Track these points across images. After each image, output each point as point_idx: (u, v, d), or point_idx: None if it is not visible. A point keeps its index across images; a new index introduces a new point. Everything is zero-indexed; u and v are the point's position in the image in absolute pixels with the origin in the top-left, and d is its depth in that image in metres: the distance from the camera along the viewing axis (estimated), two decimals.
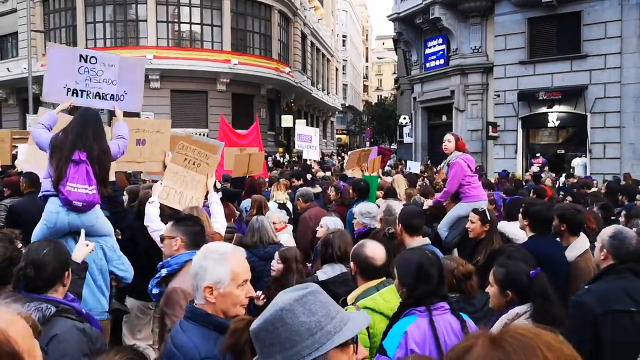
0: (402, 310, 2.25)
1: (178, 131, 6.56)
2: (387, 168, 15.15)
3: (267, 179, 9.17)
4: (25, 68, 21.96)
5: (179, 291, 2.61)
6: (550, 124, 17.07)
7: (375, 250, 2.74)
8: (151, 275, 2.97)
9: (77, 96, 4.54)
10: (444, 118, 21.08)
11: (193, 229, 2.93)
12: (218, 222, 4.04)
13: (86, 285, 3.11)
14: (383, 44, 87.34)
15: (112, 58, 4.80)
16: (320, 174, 12.09)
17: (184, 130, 11.27)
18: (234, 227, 5.06)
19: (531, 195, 6.90)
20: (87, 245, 2.95)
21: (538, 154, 16.69)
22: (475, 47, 18.67)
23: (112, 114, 4.95)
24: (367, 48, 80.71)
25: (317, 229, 4.62)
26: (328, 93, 44.89)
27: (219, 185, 7.06)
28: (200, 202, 4.48)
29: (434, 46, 20.55)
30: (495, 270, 2.56)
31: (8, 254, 2.36)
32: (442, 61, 20.14)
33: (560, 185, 11.97)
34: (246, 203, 6.33)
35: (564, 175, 14.30)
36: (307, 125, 26.51)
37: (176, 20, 25.80)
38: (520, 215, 4.00)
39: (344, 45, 59.14)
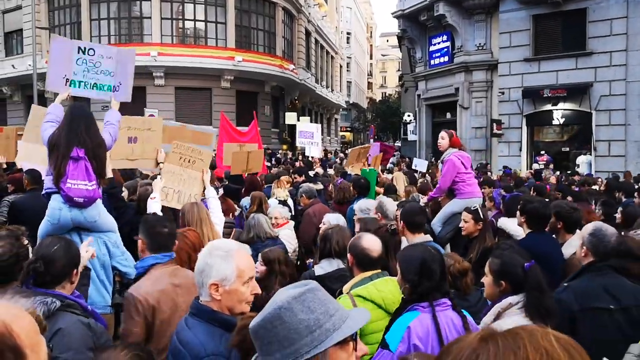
0: (405, 306, 2.26)
1: (171, 123, 6.59)
2: (389, 165, 15.13)
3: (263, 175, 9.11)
4: (30, 65, 22.05)
5: (130, 298, 2.59)
6: (555, 122, 17.02)
7: (371, 242, 2.78)
8: None
9: (75, 87, 4.59)
10: (449, 115, 21.02)
11: (156, 230, 2.81)
12: (216, 216, 4.07)
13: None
14: (387, 41, 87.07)
15: (110, 50, 4.86)
16: (319, 170, 12.07)
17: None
18: (232, 223, 5.10)
19: (531, 192, 6.91)
20: (87, 251, 2.95)
21: (542, 152, 16.64)
22: (479, 44, 18.60)
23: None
24: (371, 45, 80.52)
25: (320, 225, 4.65)
26: (332, 90, 44.83)
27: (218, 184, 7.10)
28: (198, 198, 4.53)
29: (439, 43, 20.49)
30: (491, 261, 2.59)
31: (14, 250, 2.37)
32: (446, 58, 20.08)
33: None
34: (245, 201, 6.35)
35: (568, 172, 14.25)
36: (311, 122, 26.50)
37: (180, 17, 25.80)
38: (518, 212, 4.03)
39: (348, 43, 59.02)
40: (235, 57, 25.28)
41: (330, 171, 12.24)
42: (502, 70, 17.65)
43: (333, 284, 2.98)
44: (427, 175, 10.74)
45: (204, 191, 4.61)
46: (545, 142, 17.89)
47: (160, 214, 3.96)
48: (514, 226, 4.52)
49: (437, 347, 2.10)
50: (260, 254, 3.63)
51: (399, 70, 53.85)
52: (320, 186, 7.85)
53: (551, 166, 15.41)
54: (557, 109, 16.70)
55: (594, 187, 8.77)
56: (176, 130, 5.60)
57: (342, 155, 24.66)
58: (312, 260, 4.38)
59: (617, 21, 15.37)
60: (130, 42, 24.65)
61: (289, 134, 30.95)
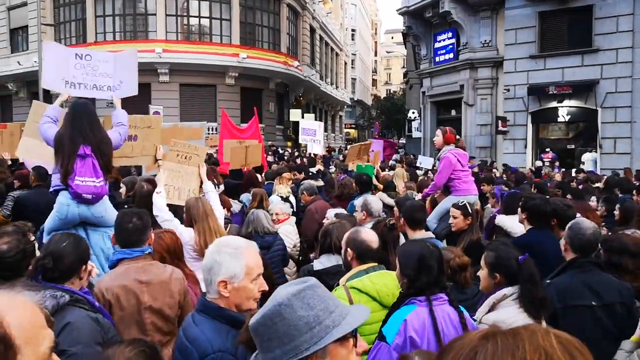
0: (403, 300, 2.29)
1: (164, 124, 6.80)
2: (391, 162, 15.12)
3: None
4: (35, 61, 22.13)
5: (96, 290, 2.61)
6: (560, 119, 16.94)
7: (369, 235, 2.82)
8: None
9: (74, 88, 4.67)
10: (453, 112, 20.95)
11: (122, 226, 2.79)
12: (216, 210, 4.09)
13: None
14: (392, 38, 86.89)
15: (107, 56, 4.97)
16: (321, 167, 12.07)
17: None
18: (229, 219, 5.15)
19: (532, 189, 6.90)
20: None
21: (548, 149, 16.56)
22: (485, 41, 18.53)
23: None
24: (376, 42, 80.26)
25: (323, 221, 4.67)
26: (337, 87, 44.78)
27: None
28: (196, 193, 4.57)
29: (444, 40, 20.40)
30: (486, 254, 2.64)
31: (21, 246, 2.39)
32: (451, 55, 19.99)
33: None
34: (246, 197, 6.38)
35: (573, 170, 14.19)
36: (315, 119, 26.50)
37: (185, 14, 25.85)
38: (519, 209, 4.08)
39: (352, 39, 58.89)
40: (240, 54, 25.30)
41: (332, 168, 12.26)
42: (507, 68, 17.57)
43: (330, 279, 2.98)
44: (430, 172, 10.73)
45: (201, 186, 4.64)
46: (550, 139, 17.81)
47: (166, 208, 4.01)
48: (511, 223, 4.59)
49: (433, 340, 2.13)
50: None
51: (403, 67, 53.70)
52: (321, 183, 7.88)
53: (557, 163, 15.35)
54: (562, 106, 16.63)
55: (597, 184, 8.75)
56: (170, 131, 5.76)
57: (346, 152, 24.66)
58: (314, 256, 4.41)
59: (623, 18, 15.27)
60: (135, 38, 24.72)
61: (293, 131, 30.95)
